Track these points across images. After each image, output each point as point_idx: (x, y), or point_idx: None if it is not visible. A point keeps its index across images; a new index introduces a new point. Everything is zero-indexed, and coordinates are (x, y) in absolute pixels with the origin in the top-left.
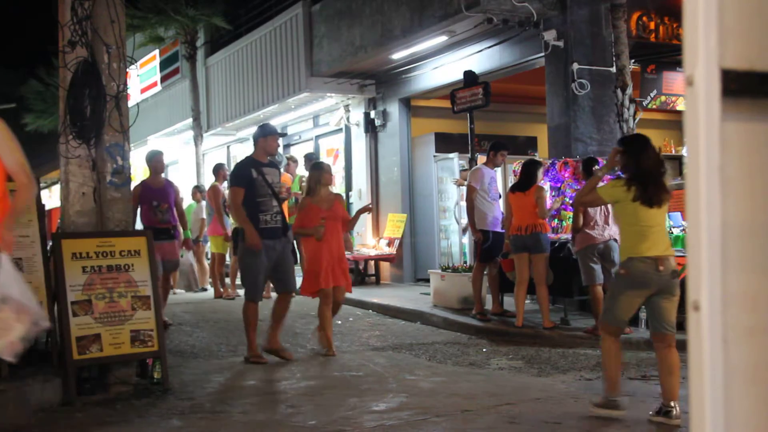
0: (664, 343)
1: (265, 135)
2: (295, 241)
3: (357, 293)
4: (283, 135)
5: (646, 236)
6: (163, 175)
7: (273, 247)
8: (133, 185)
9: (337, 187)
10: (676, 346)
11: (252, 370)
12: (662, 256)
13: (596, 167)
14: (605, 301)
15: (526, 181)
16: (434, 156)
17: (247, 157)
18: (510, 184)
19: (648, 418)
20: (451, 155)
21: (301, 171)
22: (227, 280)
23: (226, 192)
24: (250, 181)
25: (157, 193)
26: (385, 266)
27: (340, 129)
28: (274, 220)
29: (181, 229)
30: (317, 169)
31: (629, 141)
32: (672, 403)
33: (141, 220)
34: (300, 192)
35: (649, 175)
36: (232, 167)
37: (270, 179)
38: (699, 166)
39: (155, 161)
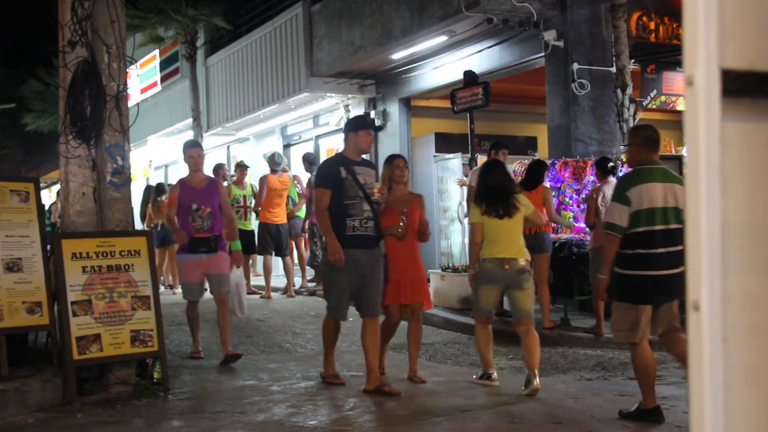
0: (523, 327)
1: (357, 129)
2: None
3: None
4: (379, 129)
5: (497, 242)
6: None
7: (361, 260)
8: (133, 185)
9: None
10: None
11: (252, 370)
12: (508, 257)
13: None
14: (473, 294)
15: (532, 180)
16: (434, 156)
17: (336, 154)
18: None
19: (473, 381)
20: (452, 156)
21: (302, 173)
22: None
23: (242, 191)
24: (338, 181)
25: (196, 194)
26: None
27: (340, 129)
28: (364, 227)
29: (226, 240)
30: (387, 163)
31: (483, 166)
32: (491, 370)
33: (180, 226)
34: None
35: (494, 193)
36: (231, 167)
37: (362, 179)
38: (699, 166)
39: (190, 154)
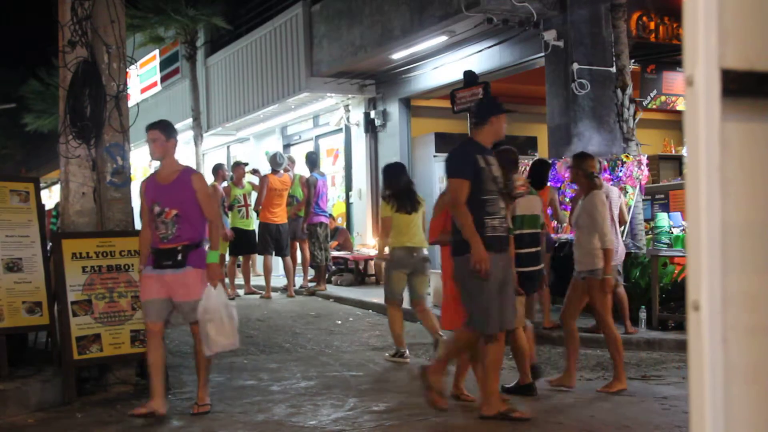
0: (420, 307)
1: (499, 113)
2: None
3: (357, 293)
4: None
5: (405, 233)
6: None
7: (497, 264)
8: (133, 185)
9: (337, 187)
10: (679, 346)
11: (252, 370)
12: (415, 246)
13: None
14: (385, 281)
15: (538, 180)
16: (434, 156)
17: (468, 141)
18: None
19: (385, 358)
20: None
21: (304, 171)
22: (227, 280)
23: (241, 190)
24: (477, 172)
25: (160, 192)
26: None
27: (340, 129)
28: (502, 227)
29: (205, 248)
30: None
31: (387, 170)
32: (403, 348)
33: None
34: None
35: (403, 192)
36: (231, 167)
37: (496, 172)
38: (699, 166)
39: (148, 137)
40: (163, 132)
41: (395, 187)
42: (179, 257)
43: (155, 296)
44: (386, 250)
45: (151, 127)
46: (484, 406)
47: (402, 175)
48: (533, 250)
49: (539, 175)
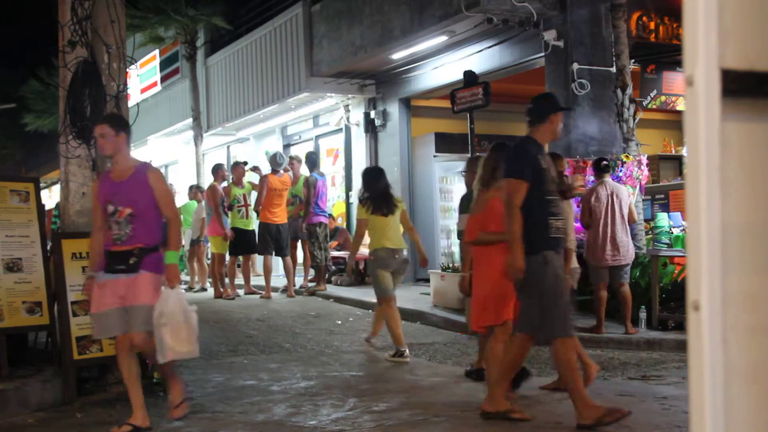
0: (393, 302)
1: (558, 110)
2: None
3: (357, 293)
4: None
5: (383, 235)
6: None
7: (560, 264)
8: None
9: (337, 187)
10: (679, 346)
11: (252, 370)
12: (396, 248)
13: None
14: (373, 282)
15: None
16: (434, 156)
17: (528, 139)
18: None
19: (385, 358)
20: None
21: (304, 171)
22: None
23: (242, 190)
24: (539, 173)
25: (114, 190)
26: None
27: (340, 129)
28: (562, 228)
29: (160, 254)
30: (499, 151)
31: (366, 174)
32: (403, 347)
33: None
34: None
35: (380, 195)
36: (230, 167)
37: (553, 172)
38: (699, 166)
39: (96, 132)
40: (111, 126)
41: (373, 190)
42: (132, 261)
43: (109, 307)
44: (362, 252)
45: (104, 121)
46: (487, 402)
47: (381, 178)
48: None
49: None
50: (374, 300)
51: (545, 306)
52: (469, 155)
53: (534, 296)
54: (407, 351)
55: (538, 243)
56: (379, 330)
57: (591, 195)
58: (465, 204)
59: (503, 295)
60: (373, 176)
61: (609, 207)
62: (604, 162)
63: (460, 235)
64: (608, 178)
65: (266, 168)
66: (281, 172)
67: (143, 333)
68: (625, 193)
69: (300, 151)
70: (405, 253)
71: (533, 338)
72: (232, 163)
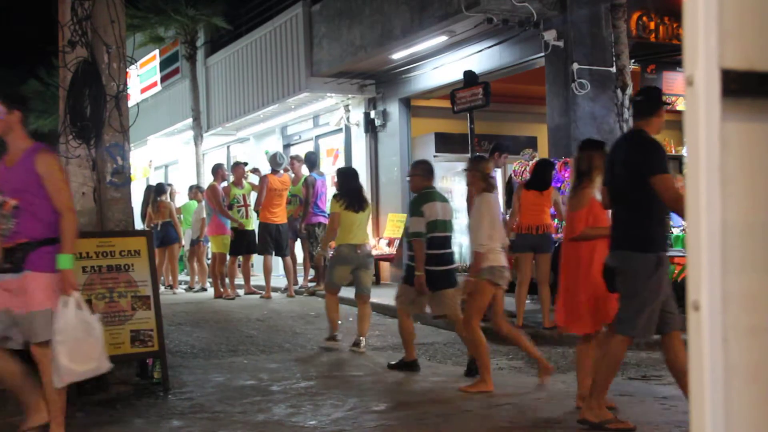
0: (362, 300)
1: (665, 104)
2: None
3: None
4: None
5: (351, 231)
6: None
7: None
8: (133, 185)
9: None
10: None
11: (252, 370)
12: (360, 243)
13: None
14: (328, 272)
15: (542, 181)
16: (434, 156)
17: (641, 131)
18: (507, 185)
19: (349, 349)
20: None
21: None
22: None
23: (241, 190)
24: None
25: (4, 177)
26: (385, 266)
27: (340, 129)
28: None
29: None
30: (593, 148)
31: (341, 172)
32: (361, 338)
33: None
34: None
35: (353, 192)
36: (231, 167)
37: None
38: (699, 166)
39: None
40: (3, 102)
41: (347, 188)
42: (17, 258)
43: None
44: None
45: None
46: (587, 411)
47: (356, 178)
48: (445, 251)
49: (543, 175)
50: (375, 300)
51: (639, 303)
52: (469, 155)
53: (635, 295)
54: (339, 335)
55: (655, 242)
56: (365, 329)
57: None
58: (415, 206)
59: (599, 299)
60: (350, 175)
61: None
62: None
63: (410, 234)
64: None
65: (266, 168)
66: (281, 172)
67: (40, 346)
68: None
69: (300, 151)
70: (368, 247)
71: (631, 339)
72: (232, 163)
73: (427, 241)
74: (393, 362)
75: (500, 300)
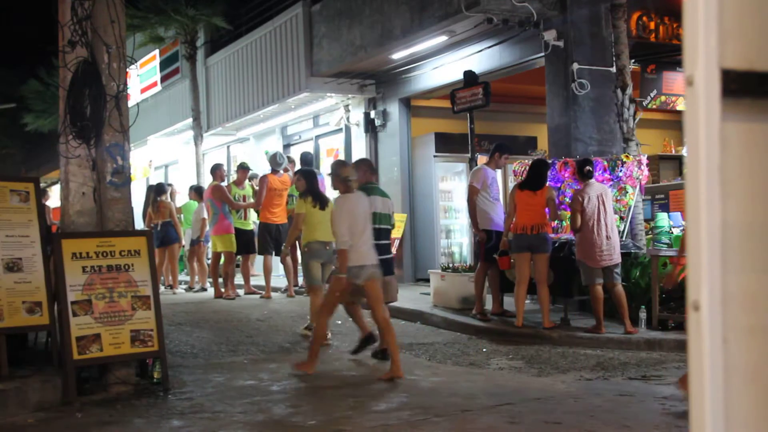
0: (320, 292)
1: None
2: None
3: None
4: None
5: (318, 228)
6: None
7: None
8: (133, 185)
9: None
10: (679, 346)
11: (252, 370)
12: (327, 240)
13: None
14: (304, 271)
15: (537, 180)
16: (434, 156)
17: None
18: (509, 185)
19: (300, 332)
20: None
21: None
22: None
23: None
24: None
25: None
26: None
27: (340, 129)
28: None
29: None
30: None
31: (305, 172)
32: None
33: None
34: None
35: (318, 191)
36: (232, 167)
37: None
38: (699, 166)
39: None
40: None
41: (314, 188)
42: None
43: None
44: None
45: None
46: None
47: (317, 179)
48: (385, 242)
49: (538, 175)
50: None
51: None
52: (469, 155)
53: None
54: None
55: None
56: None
57: (581, 198)
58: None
59: None
60: (314, 176)
61: (599, 208)
62: (588, 168)
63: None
64: (593, 180)
65: (265, 169)
66: (281, 172)
67: None
68: (610, 192)
69: (300, 151)
70: (334, 244)
71: None
72: (238, 164)
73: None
74: (352, 349)
75: (373, 291)
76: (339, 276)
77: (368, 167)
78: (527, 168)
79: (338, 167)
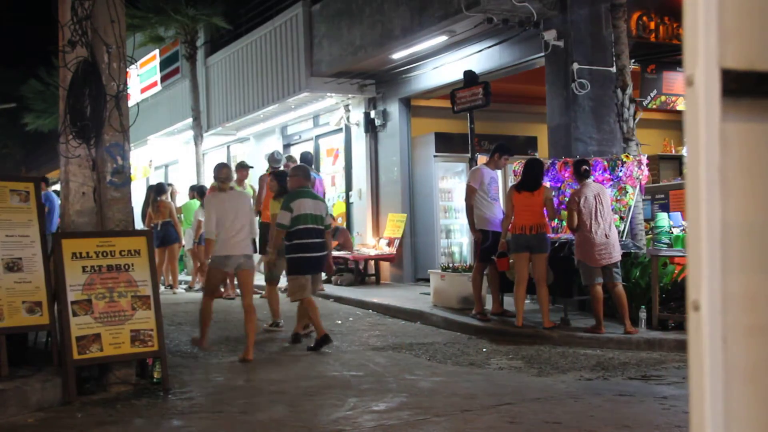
0: (275, 287)
1: None
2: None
3: (357, 293)
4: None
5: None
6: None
7: None
8: (133, 185)
9: (337, 187)
10: (679, 346)
11: (252, 370)
12: None
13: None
14: (269, 268)
15: (533, 180)
16: (434, 156)
17: None
18: (509, 186)
19: (264, 328)
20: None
21: None
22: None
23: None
24: None
25: None
26: (385, 266)
27: (340, 129)
28: None
29: None
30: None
31: (277, 174)
32: (279, 320)
33: None
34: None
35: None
36: (235, 167)
37: None
38: (699, 166)
39: None
40: None
41: (283, 187)
42: None
43: None
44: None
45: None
46: None
47: (287, 179)
48: (318, 240)
49: (533, 174)
50: (375, 300)
51: None
52: (469, 155)
53: None
54: (282, 322)
55: None
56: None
57: (578, 198)
58: (287, 202)
59: None
60: (285, 177)
61: (596, 207)
62: (585, 168)
63: (276, 225)
64: (590, 180)
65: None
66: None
67: None
68: (608, 192)
69: (300, 151)
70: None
71: None
72: (237, 163)
73: (296, 232)
74: (311, 345)
75: (244, 279)
76: (207, 264)
77: (303, 174)
78: (521, 168)
79: (216, 170)
